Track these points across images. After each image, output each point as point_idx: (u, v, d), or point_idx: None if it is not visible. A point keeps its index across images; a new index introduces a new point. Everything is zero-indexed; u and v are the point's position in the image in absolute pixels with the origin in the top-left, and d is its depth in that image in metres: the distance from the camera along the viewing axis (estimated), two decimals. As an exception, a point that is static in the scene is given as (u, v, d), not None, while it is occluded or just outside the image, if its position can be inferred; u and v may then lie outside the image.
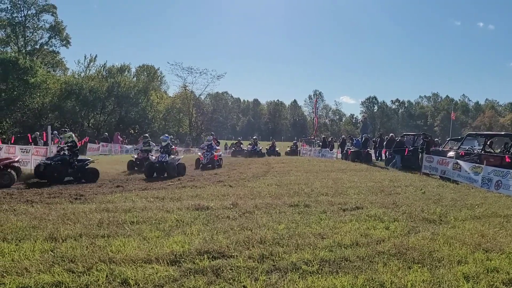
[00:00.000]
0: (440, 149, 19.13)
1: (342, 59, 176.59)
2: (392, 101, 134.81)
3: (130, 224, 6.46)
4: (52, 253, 4.77)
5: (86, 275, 4.15)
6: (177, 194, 9.85)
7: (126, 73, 55.66)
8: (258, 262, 4.69)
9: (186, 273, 4.31)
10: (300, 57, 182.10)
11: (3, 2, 48.93)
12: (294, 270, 4.48)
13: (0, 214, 6.90)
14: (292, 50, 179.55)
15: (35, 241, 5.24)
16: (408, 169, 18.50)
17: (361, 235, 5.97)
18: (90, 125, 49.50)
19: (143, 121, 53.13)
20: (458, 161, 14.60)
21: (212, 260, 4.71)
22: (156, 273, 4.26)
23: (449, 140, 24.79)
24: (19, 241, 5.27)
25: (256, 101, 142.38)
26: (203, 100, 67.36)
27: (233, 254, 4.93)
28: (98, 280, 4.02)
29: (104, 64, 53.88)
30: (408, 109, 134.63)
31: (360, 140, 24.46)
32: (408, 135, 23.25)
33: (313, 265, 4.61)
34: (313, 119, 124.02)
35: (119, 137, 35.76)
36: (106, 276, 4.12)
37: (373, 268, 4.61)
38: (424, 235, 6.08)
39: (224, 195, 9.83)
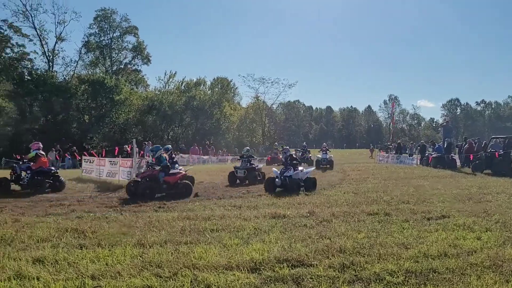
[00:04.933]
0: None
1: (417, 62, 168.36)
2: (477, 102, 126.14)
3: (210, 231, 6.66)
4: (141, 259, 5.06)
5: (172, 280, 4.34)
6: (253, 203, 9.99)
7: (202, 86, 57.99)
8: (339, 272, 4.58)
9: (266, 281, 4.34)
10: (373, 61, 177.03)
11: (91, 27, 53.50)
12: (377, 280, 4.32)
13: (94, 222, 7.48)
14: (364, 55, 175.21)
15: (126, 247, 5.58)
16: (498, 174, 17.07)
17: (450, 246, 5.60)
18: (169, 137, 52.07)
19: (217, 132, 54.81)
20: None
21: (292, 269, 4.69)
22: (238, 280, 4.33)
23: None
24: (112, 246, 5.66)
25: (328, 108, 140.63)
26: (275, 110, 68.02)
27: (312, 262, 4.87)
28: (183, 285, 4.19)
29: (183, 79, 56.70)
30: (495, 111, 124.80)
31: (442, 145, 23.10)
32: (498, 138, 21.48)
33: (398, 276, 4.41)
34: (389, 124, 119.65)
35: (196, 148, 37.25)
36: (191, 281, 4.28)
37: (465, 281, 4.29)
38: (522, 246, 5.56)
39: (300, 203, 9.79)
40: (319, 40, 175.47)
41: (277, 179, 12.93)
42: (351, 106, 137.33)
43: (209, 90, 61.63)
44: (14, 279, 4.24)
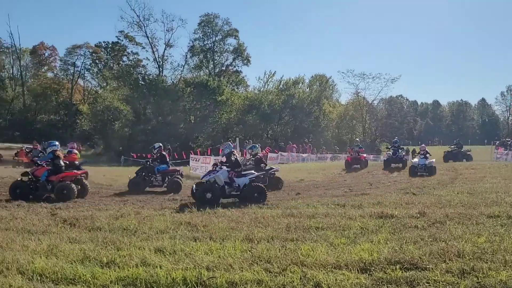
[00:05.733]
0: None
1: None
2: None
3: (315, 229, 6.65)
4: (250, 253, 5.23)
5: (282, 275, 4.42)
6: (357, 201, 9.74)
7: (300, 84, 58.11)
8: (458, 278, 4.26)
9: (378, 282, 4.20)
10: (487, 50, 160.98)
11: (196, 32, 56.79)
12: (505, 290, 3.93)
13: (205, 216, 7.93)
14: (476, 44, 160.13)
15: (235, 241, 5.82)
16: None
17: None
18: (268, 135, 53.11)
19: (316, 130, 54.48)
20: None
21: (405, 271, 4.47)
22: (347, 280, 4.26)
23: None
24: (222, 240, 5.95)
25: (435, 103, 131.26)
26: (376, 106, 65.42)
27: (427, 266, 4.59)
28: (293, 281, 4.23)
29: (281, 78, 57.41)
30: None
31: None
32: None
33: (530, 287, 3.96)
34: (508, 118, 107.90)
35: (292, 146, 37.46)
36: (300, 278, 4.31)
37: None
38: None
39: (408, 203, 9.30)
40: (422, 31, 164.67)
41: (193, 185, 11.15)
42: (461, 100, 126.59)
43: (307, 88, 61.47)
44: (141, 266, 4.67)
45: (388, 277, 4.31)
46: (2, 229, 6.51)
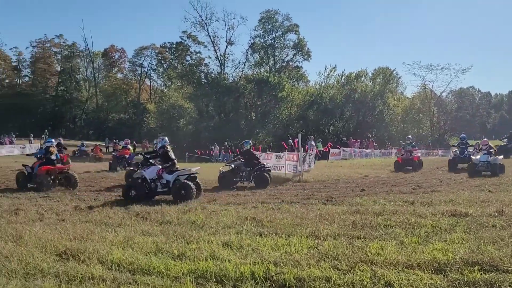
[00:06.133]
0: None
1: None
2: None
3: (384, 227, 6.44)
4: (317, 250, 5.19)
5: (351, 273, 4.33)
6: (427, 199, 9.32)
7: (363, 78, 56.58)
8: (545, 282, 3.93)
9: (454, 284, 3.99)
10: None
11: (256, 29, 57.29)
12: None
13: (269, 212, 7.99)
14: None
15: (301, 237, 5.80)
16: None
17: None
18: (330, 131, 52.34)
19: (380, 125, 52.82)
20: None
21: (484, 273, 4.20)
22: (421, 280, 4.09)
23: None
24: (288, 236, 5.95)
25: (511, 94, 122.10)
26: (445, 98, 62.00)
27: (509, 268, 4.28)
28: (363, 280, 4.13)
29: (342, 72, 56.31)
30: None
31: None
32: None
33: None
34: None
35: (353, 141, 36.64)
36: (370, 277, 4.20)
37: None
38: None
39: (483, 201, 8.75)
40: (493, 17, 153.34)
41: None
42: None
43: (370, 81, 59.74)
44: (210, 259, 4.80)
45: (465, 278, 4.08)
46: (82, 221, 6.99)
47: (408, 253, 4.91)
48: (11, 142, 35.40)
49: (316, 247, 5.31)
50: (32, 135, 41.86)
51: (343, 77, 54.72)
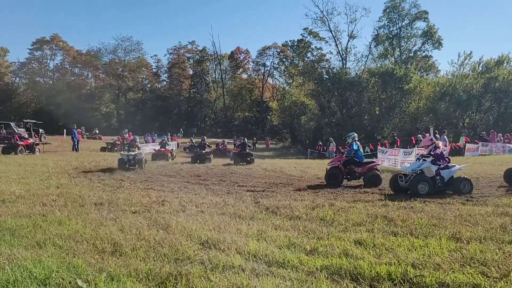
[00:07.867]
0: None
1: None
2: None
3: (541, 232, 5.64)
4: (460, 253, 4.77)
5: (503, 282, 3.89)
6: None
7: (505, 64, 50.18)
8: None
9: None
10: None
11: (380, 20, 54.94)
12: None
13: (401, 210, 7.59)
14: None
15: (440, 239, 5.39)
16: None
17: None
18: (465, 124, 47.65)
19: (527, 116, 46.40)
20: None
21: None
22: None
23: None
24: (425, 237, 5.58)
25: None
26: None
27: None
28: (519, 290, 3.68)
29: (480, 59, 50.81)
30: None
31: None
32: None
33: None
34: None
35: (496, 135, 32.63)
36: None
37: None
38: None
39: None
40: None
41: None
42: None
43: (514, 67, 52.82)
44: (343, 256, 4.74)
45: None
46: (219, 214, 7.48)
47: None
48: (153, 141, 39.63)
49: (459, 251, 4.88)
50: (169, 134, 46.43)
51: (481, 64, 49.37)
